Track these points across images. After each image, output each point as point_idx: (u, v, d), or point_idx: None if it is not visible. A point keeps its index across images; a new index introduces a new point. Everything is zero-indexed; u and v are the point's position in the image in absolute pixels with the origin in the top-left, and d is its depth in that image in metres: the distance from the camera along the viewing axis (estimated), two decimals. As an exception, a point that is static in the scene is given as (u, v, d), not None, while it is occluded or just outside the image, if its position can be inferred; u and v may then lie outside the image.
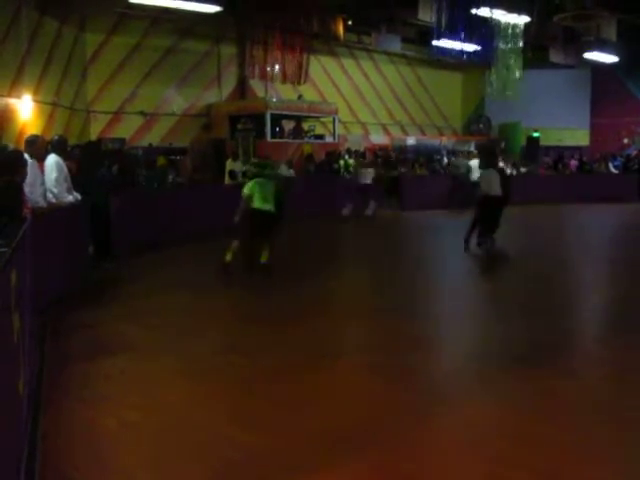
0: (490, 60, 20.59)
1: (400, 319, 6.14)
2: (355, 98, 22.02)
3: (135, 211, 10.32)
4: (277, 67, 19.01)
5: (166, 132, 17.66)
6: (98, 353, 5.04)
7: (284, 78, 19.17)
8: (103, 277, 8.20)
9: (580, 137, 24.71)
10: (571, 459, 3.27)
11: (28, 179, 5.99)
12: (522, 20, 19.70)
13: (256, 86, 19.33)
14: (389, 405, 3.99)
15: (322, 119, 19.34)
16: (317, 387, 4.31)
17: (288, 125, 18.46)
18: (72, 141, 11.90)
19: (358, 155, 19.17)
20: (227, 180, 14.30)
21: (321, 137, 18.77)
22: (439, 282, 8.51)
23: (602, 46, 20.74)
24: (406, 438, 3.51)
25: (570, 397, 4.12)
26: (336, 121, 18.64)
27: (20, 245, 3.67)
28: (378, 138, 22.61)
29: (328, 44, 20.18)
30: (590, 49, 20.99)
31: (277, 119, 17.41)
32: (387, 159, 18.61)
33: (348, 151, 19.29)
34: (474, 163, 17.55)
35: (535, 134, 23.20)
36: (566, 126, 24.15)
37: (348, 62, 21.72)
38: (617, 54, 21.28)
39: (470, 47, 19.61)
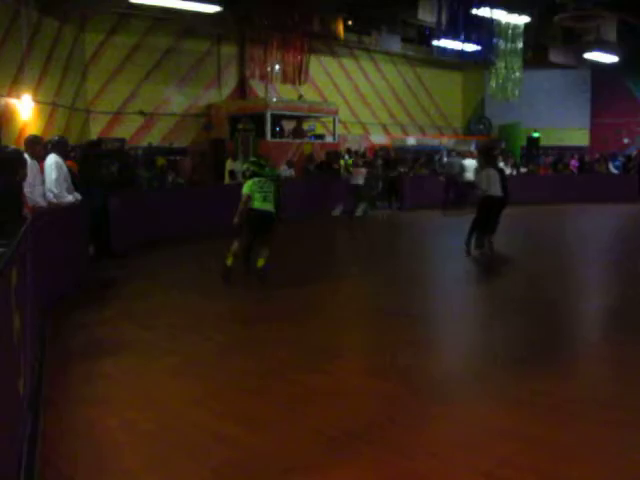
0: (490, 60, 20.61)
1: (399, 319, 6.14)
2: (355, 98, 22.02)
3: (135, 211, 10.33)
4: (277, 67, 19.01)
5: (166, 132, 17.67)
6: (98, 353, 5.04)
7: (284, 78, 19.18)
8: (103, 277, 8.20)
9: (580, 137, 24.72)
10: (572, 459, 3.27)
11: (28, 179, 5.99)
12: (522, 20, 19.73)
13: (256, 86, 19.34)
14: (389, 405, 3.99)
15: (322, 119, 19.35)
16: (317, 387, 4.31)
17: (288, 125, 18.46)
18: (72, 141, 11.91)
19: (358, 155, 19.20)
20: (227, 180, 14.31)
21: (321, 137, 18.78)
22: (438, 283, 8.51)
23: (602, 46, 20.75)
24: (406, 438, 3.51)
25: (570, 397, 4.12)
26: (336, 121, 18.64)
27: (20, 245, 3.67)
28: (378, 138, 22.61)
29: (328, 44, 20.19)
30: (590, 49, 21.00)
31: (277, 119, 17.41)
32: (387, 159, 18.61)
33: (348, 151, 19.29)
34: (468, 162, 17.57)
35: (535, 134, 23.21)
36: (566, 126, 24.16)
37: (348, 62, 21.73)
38: (617, 54, 21.29)
39: (470, 47, 19.62)
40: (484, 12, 18.50)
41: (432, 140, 23.64)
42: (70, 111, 15.14)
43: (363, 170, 15.64)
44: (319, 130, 19.28)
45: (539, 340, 5.40)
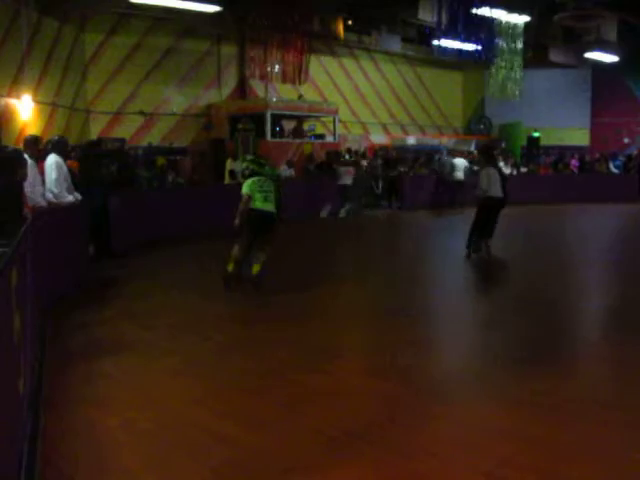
0: (490, 60, 20.62)
1: (399, 319, 6.14)
2: (355, 98, 22.01)
3: (135, 211, 10.33)
4: (277, 67, 19.00)
5: (166, 132, 17.67)
6: (98, 353, 5.04)
7: (284, 78, 19.17)
8: (103, 277, 8.20)
9: (580, 137, 24.71)
10: (572, 459, 3.27)
11: (28, 179, 6.00)
12: (522, 20, 19.73)
13: (256, 86, 19.33)
14: (389, 405, 3.99)
15: (322, 119, 19.34)
16: (317, 387, 4.31)
17: (288, 125, 18.46)
18: (72, 141, 11.90)
19: (359, 155, 19.20)
20: (227, 180, 14.31)
21: (321, 137, 18.77)
22: (438, 283, 8.51)
23: (602, 46, 20.75)
24: (406, 438, 3.51)
25: (570, 397, 4.12)
26: (336, 121, 18.63)
27: (20, 245, 3.67)
28: (378, 138, 22.60)
29: (328, 44, 20.18)
30: (590, 49, 21.00)
31: (277, 119, 17.41)
32: (387, 159, 18.62)
33: (348, 151, 19.29)
34: (458, 161, 17.58)
35: (535, 134, 23.21)
36: (566, 126, 24.15)
37: (348, 62, 21.72)
38: (617, 54, 21.29)
39: (470, 47, 19.62)
40: (484, 12, 18.51)
41: (432, 140, 23.63)
42: (70, 111, 15.14)
43: (352, 170, 15.55)
44: (319, 130, 19.28)
45: (539, 340, 5.40)
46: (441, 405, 3.99)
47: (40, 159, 7.29)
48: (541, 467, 3.16)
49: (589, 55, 21.27)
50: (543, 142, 23.30)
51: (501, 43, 20.13)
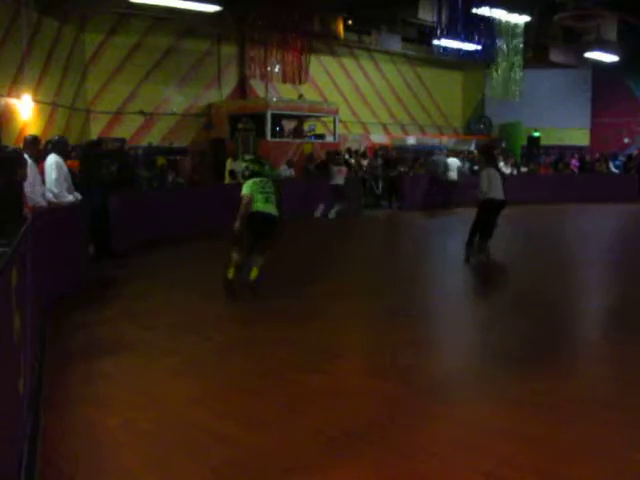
0: (490, 60, 20.62)
1: (399, 319, 6.14)
2: (355, 98, 22.01)
3: (135, 211, 10.33)
4: (277, 67, 19.01)
5: (166, 132, 17.67)
6: (98, 353, 5.04)
7: (284, 78, 19.17)
8: (103, 277, 8.20)
9: (580, 137, 24.71)
10: (572, 459, 3.27)
11: (28, 179, 6.00)
12: (522, 19, 19.72)
13: (256, 86, 19.33)
14: (389, 405, 3.99)
15: (323, 119, 19.34)
16: (317, 387, 4.31)
17: (288, 125, 18.46)
18: (72, 141, 11.91)
19: (359, 155, 19.20)
20: (227, 180, 14.31)
21: (321, 137, 18.77)
22: (438, 283, 8.51)
23: (602, 45, 20.74)
24: (406, 438, 3.51)
25: (570, 397, 4.12)
26: (336, 121, 18.64)
27: (20, 245, 3.67)
28: (378, 137, 22.61)
29: (328, 44, 20.18)
30: (590, 48, 20.99)
31: (277, 119, 17.41)
32: (387, 158, 18.62)
33: (348, 150, 19.29)
34: (451, 161, 17.57)
35: (535, 134, 23.21)
36: (567, 126, 24.15)
37: (348, 62, 21.72)
38: (617, 54, 21.28)
39: (470, 47, 19.62)
40: (484, 11, 18.49)
41: (432, 140, 23.62)
42: (70, 111, 15.14)
43: (344, 169, 15.53)
44: (319, 130, 19.28)
45: (539, 340, 5.40)
46: (441, 405, 3.99)
47: (40, 159, 7.30)
48: (541, 467, 3.16)
49: (589, 55, 21.25)
50: (543, 142, 23.30)
51: (501, 43, 20.12)
